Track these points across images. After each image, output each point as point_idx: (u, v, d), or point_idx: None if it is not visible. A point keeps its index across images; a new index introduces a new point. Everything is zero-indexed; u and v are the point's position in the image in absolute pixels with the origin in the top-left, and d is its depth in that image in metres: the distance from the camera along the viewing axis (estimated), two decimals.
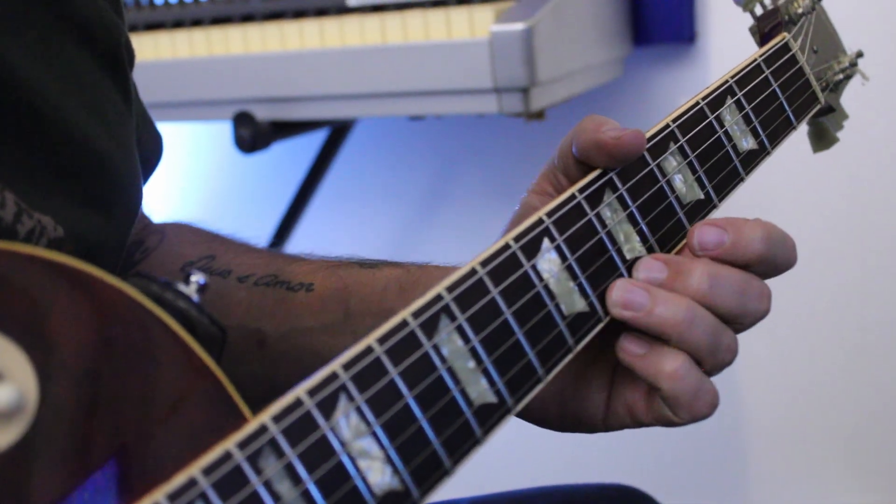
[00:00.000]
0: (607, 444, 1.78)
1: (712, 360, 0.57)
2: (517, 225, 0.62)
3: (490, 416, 0.51)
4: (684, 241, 0.60)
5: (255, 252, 0.77)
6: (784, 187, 1.56)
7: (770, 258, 0.59)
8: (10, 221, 0.52)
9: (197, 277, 0.48)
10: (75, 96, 0.58)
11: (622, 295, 0.56)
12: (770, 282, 0.61)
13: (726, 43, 1.57)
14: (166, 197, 2.02)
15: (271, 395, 0.71)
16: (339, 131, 1.72)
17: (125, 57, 0.65)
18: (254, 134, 1.44)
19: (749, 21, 0.74)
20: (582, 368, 0.61)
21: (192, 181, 2.04)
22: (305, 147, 1.77)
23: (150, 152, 0.73)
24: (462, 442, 0.49)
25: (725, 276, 0.57)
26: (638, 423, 0.61)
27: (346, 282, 0.71)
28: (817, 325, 1.62)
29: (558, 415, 0.63)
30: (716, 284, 0.57)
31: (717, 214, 0.63)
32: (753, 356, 1.62)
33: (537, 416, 0.63)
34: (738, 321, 0.58)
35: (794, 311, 1.57)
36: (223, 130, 1.72)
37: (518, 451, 1.62)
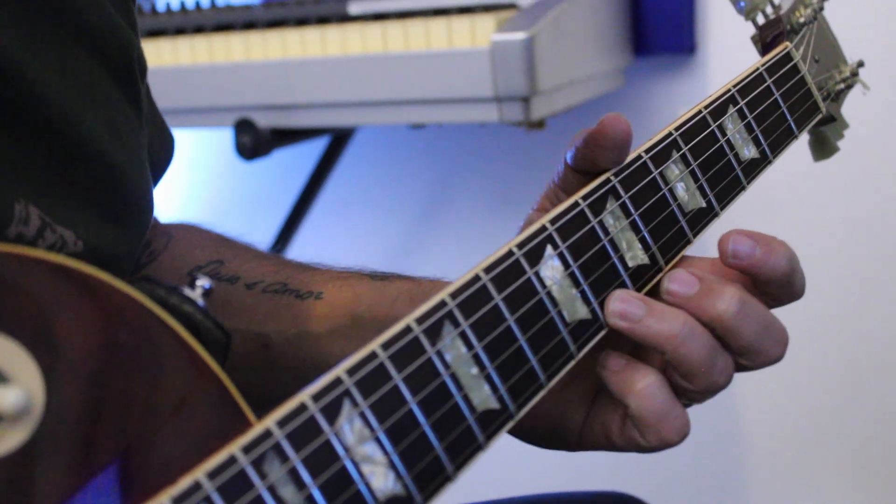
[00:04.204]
0: (605, 452, 1.77)
1: (705, 380, 0.57)
2: None
3: (492, 423, 0.51)
4: (683, 251, 0.61)
5: (264, 258, 0.77)
6: (784, 197, 1.56)
7: (791, 281, 0.59)
8: (32, 237, 0.52)
9: (202, 282, 0.48)
10: (92, 111, 0.59)
11: (620, 305, 0.56)
12: None
13: (726, 54, 1.58)
14: (167, 203, 2.02)
15: (272, 399, 0.71)
16: (339, 139, 1.72)
17: (137, 70, 0.65)
18: (255, 141, 1.44)
19: (749, 31, 0.75)
20: (565, 382, 0.61)
21: (194, 188, 2.05)
22: (306, 154, 1.77)
23: (160, 156, 0.74)
24: (464, 448, 0.49)
25: (754, 306, 0.57)
26: (611, 445, 0.61)
27: (357, 291, 0.71)
28: (816, 336, 1.62)
29: (532, 427, 0.63)
30: (743, 310, 0.56)
31: (718, 223, 0.63)
32: None
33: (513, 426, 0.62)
34: (751, 355, 0.58)
35: (794, 322, 1.57)
36: (224, 137, 1.73)
37: (515, 458, 1.62)
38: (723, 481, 1.76)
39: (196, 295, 0.47)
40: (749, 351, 0.58)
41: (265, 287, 0.73)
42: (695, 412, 0.60)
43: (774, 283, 0.59)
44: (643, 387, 0.56)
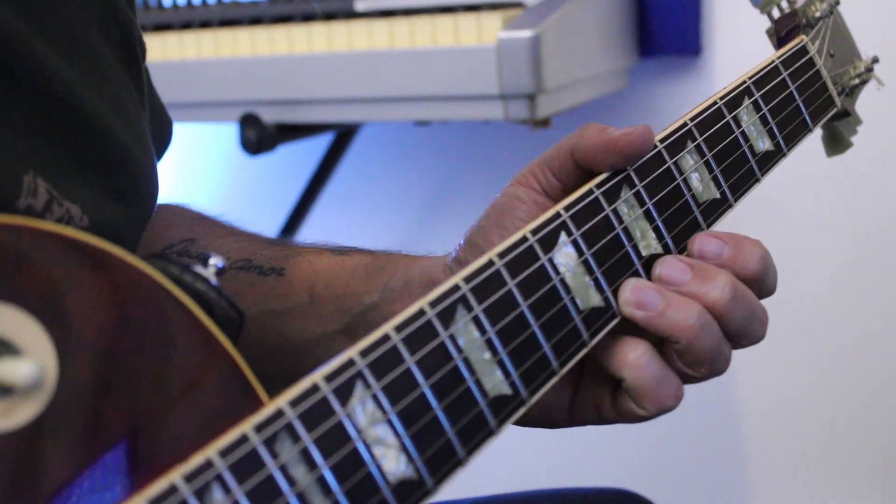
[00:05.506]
0: (606, 448, 1.77)
1: (710, 368, 0.58)
2: (497, 213, 0.62)
3: (504, 408, 0.51)
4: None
5: (235, 236, 0.77)
6: (783, 190, 1.55)
7: (762, 281, 0.60)
8: (40, 210, 0.52)
9: (215, 260, 0.48)
10: (98, 88, 0.59)
11: (635, 294, 0.56)
12: None
13: (732, 56, 1.58)
14: (170, 196, 2.01)
15: None
16: (344, 135, 1.72)
17: (139, 51, 0.66)
18: (260, 136, 1.44)
19: (754, 34, 0.75)
20: None
21: (197, 182, 2.04)
22: (311, 150, 1.77)
23: (159, 139, 0.74)
24: (476, 432, 0.49)
25: (744, 292, 0.58)
26: (602, 420, 0.61)
27: (316, 267, 0.71)
28: (816, 330, 1.62)
29: None
30: (735, 297, 0.57)
31: (732, 215, 0.63)
32: (751, 360, 1.62)
33: None
34: (738, 339, 0.59)
35: (793, 315, 1.57)
36: (229, 132, 1.72)
37: (517, 453, 1.62)
38: (724, 478, 1.76)
39: (209, 273, 0.47)
40: (737, 335, 0.59)
41: (230, 264, 0.73)
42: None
43: (745, 281, 0.59)
44: (635, 357, 0.56)
